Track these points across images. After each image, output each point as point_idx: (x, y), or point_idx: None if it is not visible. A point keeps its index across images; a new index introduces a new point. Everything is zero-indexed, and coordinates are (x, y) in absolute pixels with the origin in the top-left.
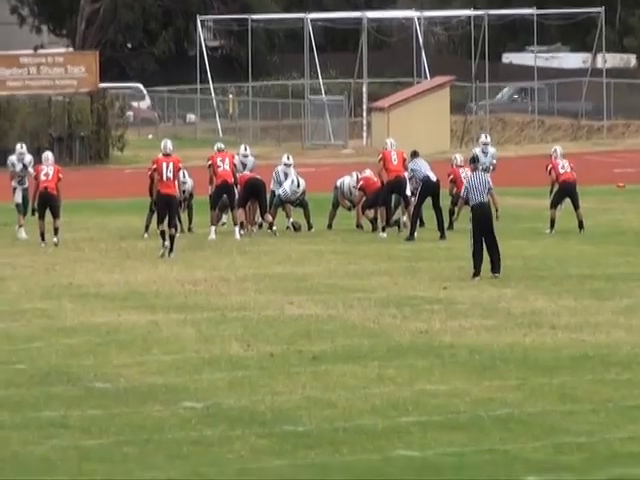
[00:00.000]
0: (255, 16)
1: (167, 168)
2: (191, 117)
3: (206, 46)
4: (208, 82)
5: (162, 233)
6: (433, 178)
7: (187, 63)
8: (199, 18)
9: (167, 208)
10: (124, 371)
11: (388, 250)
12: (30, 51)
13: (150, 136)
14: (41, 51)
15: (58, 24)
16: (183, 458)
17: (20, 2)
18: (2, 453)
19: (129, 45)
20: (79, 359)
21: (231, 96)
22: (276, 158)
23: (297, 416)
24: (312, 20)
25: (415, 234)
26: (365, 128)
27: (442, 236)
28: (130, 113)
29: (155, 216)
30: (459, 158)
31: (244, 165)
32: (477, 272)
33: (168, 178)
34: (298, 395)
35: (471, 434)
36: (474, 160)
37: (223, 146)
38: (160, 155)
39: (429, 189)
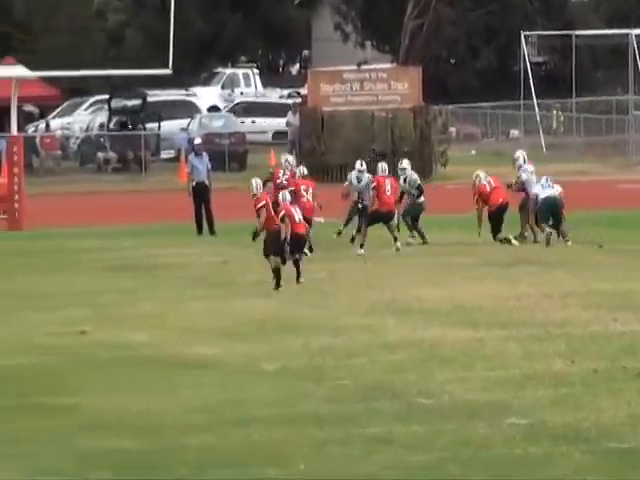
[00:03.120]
0: (579, 32)
1: (296, 214)
2: (514, 133)
3: (530, 62)
4: (531, 98)
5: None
6: None
7: (509, 78)
8: (523, 34)
9: (297, 244)
10: (447, 387)
11: None
12: (353, 67)
13: (473, 152)
14: (364, 67)
15: (382, 40)
16: (506, 477)
17: (344, 19)
18: (327, 469)
19: (452, 60)
20: (402, 374)
21: (555, 112)
22: (600, 174)
23: (621, 433)
24: (636, 36)
25: None
26: None
27: None
28: (452, 129)
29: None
30: None
31: (359, 180)
32: None
33: (300, 220)
34: (623, 412)
35: None
36: None
37: (305, 171)
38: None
39: None
